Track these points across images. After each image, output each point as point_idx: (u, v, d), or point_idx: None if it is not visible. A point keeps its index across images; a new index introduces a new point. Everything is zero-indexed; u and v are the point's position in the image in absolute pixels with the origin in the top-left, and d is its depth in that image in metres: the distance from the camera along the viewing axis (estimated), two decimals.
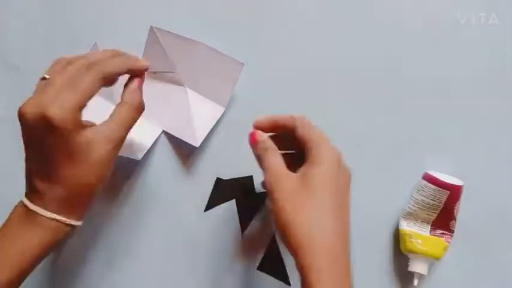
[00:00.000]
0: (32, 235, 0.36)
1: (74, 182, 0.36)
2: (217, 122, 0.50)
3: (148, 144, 0.50)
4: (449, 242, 0.47)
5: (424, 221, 0.48)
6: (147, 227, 0.51)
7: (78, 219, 0.38)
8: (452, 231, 0.48)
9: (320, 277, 0.32)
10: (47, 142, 0.35)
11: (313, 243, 0.33)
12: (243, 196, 0.49)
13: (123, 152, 0.50)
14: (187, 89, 0.51)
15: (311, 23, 0.51)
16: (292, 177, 0.37)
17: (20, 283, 0.37)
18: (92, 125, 0.38)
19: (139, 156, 0.50)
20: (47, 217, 0.36)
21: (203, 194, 0.51)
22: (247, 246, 0.50)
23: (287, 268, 0.50)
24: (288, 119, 0.40)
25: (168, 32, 0.49)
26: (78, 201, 0.37)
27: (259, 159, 0.39)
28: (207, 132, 0.50)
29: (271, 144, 0.39)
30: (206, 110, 0.50)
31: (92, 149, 0.36)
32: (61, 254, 0.52)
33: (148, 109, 0.51)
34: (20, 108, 0.36)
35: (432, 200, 0.47)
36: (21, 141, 0.51)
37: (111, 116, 0.38)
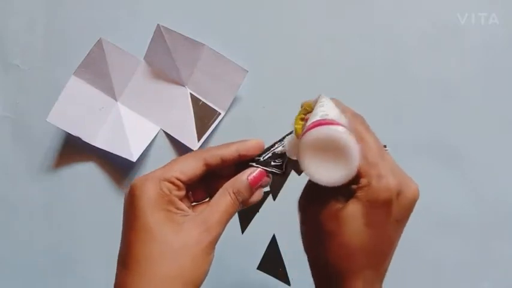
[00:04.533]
0: None
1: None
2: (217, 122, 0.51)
3: (145, 144, 0.50)
4: None
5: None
6: None
7: None
8: None
9: None
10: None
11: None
12: None
13: (118, 152, 0.50)
14: (188, 90, 0.51)
15: (312, 26, 0.51)
16: None
17: None
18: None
19: (135, 157, 0.50)
20: None
21: None
22: (247, 246, 0.50)
23: (287, 268, 0.50)
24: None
25: (175, 31, 0.49)
26: None
27: None
28: (206, 136, 0.50)
29: None
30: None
31: (180, 232, 0.31)
32: (67, 257, 0.52)
33: (147, 107, 0.51)
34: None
35: None
36: (21, 141, 0.52)
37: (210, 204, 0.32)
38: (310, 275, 0.51)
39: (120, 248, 0.33)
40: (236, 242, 0.50)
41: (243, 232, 0.50)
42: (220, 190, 0.33)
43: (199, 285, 0.32)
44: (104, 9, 0.52)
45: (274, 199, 0.50)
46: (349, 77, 0.51)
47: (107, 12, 0.52)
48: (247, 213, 0.50)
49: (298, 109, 0.51)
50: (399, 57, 0.51)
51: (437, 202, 0.50)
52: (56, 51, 0.52)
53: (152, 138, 0.51)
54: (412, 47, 0.51)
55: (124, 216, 0.33)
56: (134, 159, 0.49)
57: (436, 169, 0.50)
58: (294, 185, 0.51)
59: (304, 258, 0.50)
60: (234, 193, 0.33)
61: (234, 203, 0.33)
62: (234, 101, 0.50)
